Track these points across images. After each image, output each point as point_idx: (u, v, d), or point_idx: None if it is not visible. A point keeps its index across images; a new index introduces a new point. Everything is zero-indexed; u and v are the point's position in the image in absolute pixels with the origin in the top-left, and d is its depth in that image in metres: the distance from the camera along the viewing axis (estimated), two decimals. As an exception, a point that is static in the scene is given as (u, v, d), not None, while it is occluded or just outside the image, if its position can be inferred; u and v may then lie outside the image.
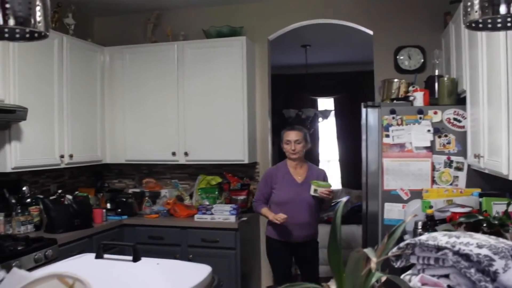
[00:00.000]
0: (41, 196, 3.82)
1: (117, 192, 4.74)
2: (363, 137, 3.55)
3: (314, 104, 8.01)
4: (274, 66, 4.98)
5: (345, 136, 7.92)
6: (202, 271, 1.70)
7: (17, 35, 1.28)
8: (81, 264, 1.72)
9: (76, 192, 4.30)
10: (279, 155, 7.01)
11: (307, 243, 3.63)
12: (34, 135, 3.66)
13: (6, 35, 1.27)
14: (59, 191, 4.03)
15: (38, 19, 1.15)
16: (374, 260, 0.81)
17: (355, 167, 6.16)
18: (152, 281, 1.60)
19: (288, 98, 7.80)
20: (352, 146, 7.22)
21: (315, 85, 7.75)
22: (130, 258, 1.69)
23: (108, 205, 4.48)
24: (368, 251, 0.83)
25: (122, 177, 5.08)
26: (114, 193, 4.66)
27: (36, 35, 1.28)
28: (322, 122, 7.54)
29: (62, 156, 3.98)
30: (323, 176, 3.68)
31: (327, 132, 8.16)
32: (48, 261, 3.14)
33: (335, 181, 7.89)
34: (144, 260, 1.71)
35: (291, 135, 3.62)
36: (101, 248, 1.72)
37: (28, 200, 3.71)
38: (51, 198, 3.77)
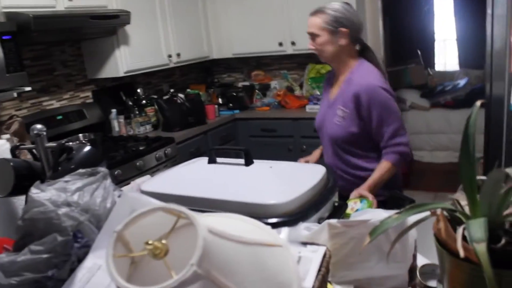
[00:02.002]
0: (155, 97, 3.95)
1: (227, 86, 4.76)
2: (488, 11, 3.08)
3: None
4: None
5: (465, 12, 7.11)
6: (316, 172, 1.62)
7: None
8: (195, 170, 1.73)
9: (188, 90, 4.39)
10: (390, 38, 6.57)
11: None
12: (141, 38, 3.69)
13: None
14: (171, 90, 4.13)
15: None
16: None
17: (475, 46, 5.60)
18: (266, 184, 1.56)
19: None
20: (472, 23, 6.49)
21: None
22: (243, 161, 1.65)
23: (220, 100, 4.54)
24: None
25: (231, 71, 5.07)
26: (224, 88, 4.69)
27: None
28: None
29: (170, 56, 4.01)
30: (352, 97, 2.01)
31: (444, 8, 7.38)
32: (168, 159, 3.30)
33: (452, 61, 7.29)
34: (256, 163, 1.67)
35: (308, 25, 2.08)
36: (213, 152, 1.70)
37: (144, 101, 3.85)
38: (164, 98, 3.88)
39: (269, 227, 0.89)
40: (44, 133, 1.35)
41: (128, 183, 1.67)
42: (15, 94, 2.79)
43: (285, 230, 0.96)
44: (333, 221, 1.09)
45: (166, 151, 3.34)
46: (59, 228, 0.93)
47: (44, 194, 0.99)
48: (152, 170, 3.15)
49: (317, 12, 2.06)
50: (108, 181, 1.09)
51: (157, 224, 0.76)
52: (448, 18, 7.38)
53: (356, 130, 2.04)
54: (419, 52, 6.34)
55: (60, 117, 3.32)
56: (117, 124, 3.70)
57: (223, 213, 0.90)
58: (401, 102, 5.53)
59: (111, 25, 3.37)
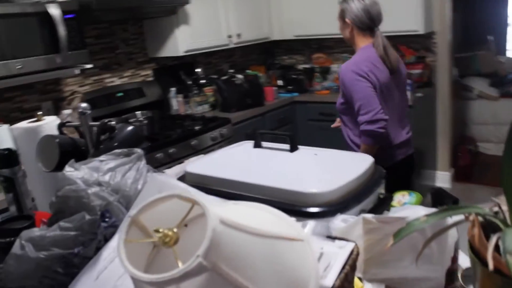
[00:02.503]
0: (215, 77, 3.96)
1: (287, 68, 4.71)
2: None
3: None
4: None
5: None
6: (362, 162, 1.56)
7: None
8: (239, 153, 1.72)
9: (247, 71, 4.38)
10: (461, 23, 6.23)
11: None
12: (201, 18, 3.71)
13: None
14: (231, 70, 4.13)
15: None
16: None
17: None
18: (309, 171, 1.52)
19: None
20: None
21: None
22: (288, 147, 1.62)
23: (279, 82, 4.49)
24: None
25: (292, 53, 5.00)
26: (284, 70, 4.64)
27: None
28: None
29: (230, 36, 4.00)
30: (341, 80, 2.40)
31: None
32: (224, 139, 3.32)
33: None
34: (301, 149, 1.63)
35: None
36: (259, 136, 1.68)
37: (203, 81, 3.88)
38: (223, 78, 3.89)
39: (293, 219, 0.86)
40: (89, 111, 1.37)
41: (182, 162, 1.68)
42: (77, 71, 2.89)
43: (311, 224, 0.92)
44: (369, 215, 1.04)
45: (221, 132, 3.35)
46: (88, 207, 0.94)
47: (77, 172, 1.01)
48: (207, 150, 3.18)
49: (339, 3, 2.53)
50: (142, 163, 1.09)
51: (175, 210, 0.75)
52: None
53: (343, 100, 2.42)
54: (490, 38, 5.97)
55: (120, 94, 3.41)
56: (176, 103, 3.75)
57: (249, 202, 0.88)
58: (468, 90, 5.26)
59: (171, 5, 3.40)
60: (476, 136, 5.24)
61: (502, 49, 6.58)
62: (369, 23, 2.41)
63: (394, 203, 1.57)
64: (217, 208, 0.70)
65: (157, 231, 0.67)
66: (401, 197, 1.63)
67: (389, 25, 3.92)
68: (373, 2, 2.42)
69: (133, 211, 0.73)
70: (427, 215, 0.72)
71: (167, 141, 2.99)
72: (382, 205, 1.46)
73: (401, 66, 2.52)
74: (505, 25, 6.86)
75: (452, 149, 4.43)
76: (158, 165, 2.74)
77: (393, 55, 2.42)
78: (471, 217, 0.71)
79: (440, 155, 4.39)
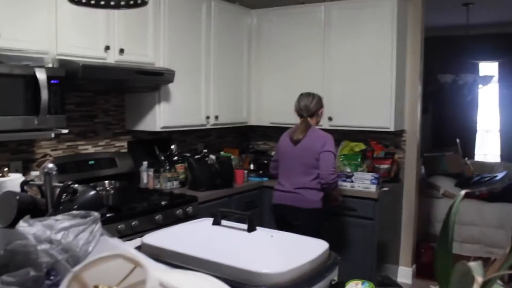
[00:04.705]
0: (188, 155, 4.02)
1: (260, 153, 4.82)
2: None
3: (474, 69, 7.22)
4: (428, 27, 4.54)
5: (509, 105, 7.07)
6: (318, 246, 1.60)
7: (122, 2, 1.28)
8: (198, 229, 1.75)
9: (221, 153, 4.46)
10: (432, 124, 6.54)
11: None
12: (182, 97, 3.84)
13: (112, 3, 1.27)
14: (205, 150, 4.21)
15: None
16: (479, 280, 0.63)
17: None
18: (264, 252, 1.55)
19: (445, 62, 7.14)
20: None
21: (477, 48, 6.96)
22: (246, 227, 1.65)
23: (251, 166, 4.57)
24: (475, 266, 0.66)
25: (267, 139, 5.14)
26: (257, 155, 4.74)
27: (139, 1, 1.26)
28: (481, 88, 6.80)
29: (208, 117, 4.13)
30: None
31: (486, 100, 7.36)
32: (188, 217, 3.31)
33: (493, 152, 7.17)
34: (259, 230, 1.67)
35: None
36: (219, 215, 1.71)
37: (176, 158, 3.93)
38: (196, 157, 3.95)
39: (235, 292, 0.88)
40: (54, 172, 1.40)
41: (142, 235, 1.66)
42: (52, 135, 2.93)
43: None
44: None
45: (187, 209, 3.36)
46: (35, 263, 0.95)
47: (30, 228, 1.03)
48: (170, 226, 3.16)
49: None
50: (97, 226, 1.11)
51: (118, 271, 0.78)
52: (492, 109, 7.35)
53: None
54: (458, 141, 6.26)
55: (92, 162, 3.43)
56: (146, 177, 3.78)
57: (196, 272, 0.90)
58: (434, 189, 5.41)
59: (155, 82, 3.53)
60: (439, 234, 5.31)
61: (470, 153, 6.87)
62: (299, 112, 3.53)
63: (346, 291, 1.59)
64: (160, 273, 0.73)
65: (96, 287, 0.69)
66: (354, 285, 1.65)
67: (362, 121, 4.15)
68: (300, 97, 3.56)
69: (77, 267, 0.75)
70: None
71: (131, 213, 2.98)
72: (332, 292, 1.48)
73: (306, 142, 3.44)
74: (474, 130, 7.22)
75: (415, 245, 4.48)
76: (119, 236, 2.71)
77: (300, 134, 3.45)
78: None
79: (403, 251, 4.42)
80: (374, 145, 4.30)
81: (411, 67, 4.29)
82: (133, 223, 2.93)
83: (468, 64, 7.14)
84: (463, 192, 0.83)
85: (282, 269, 1.37)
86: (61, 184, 1.39)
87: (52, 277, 0.96)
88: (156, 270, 0.69)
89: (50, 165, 1.40)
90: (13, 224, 1.34)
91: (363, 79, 4.12)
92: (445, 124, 7.00)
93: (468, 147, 6.82)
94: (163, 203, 3.25)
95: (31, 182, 1.45)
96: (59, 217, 1.10)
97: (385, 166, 4.14)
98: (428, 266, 4.53)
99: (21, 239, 1.00)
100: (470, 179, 5.70)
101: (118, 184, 3.21)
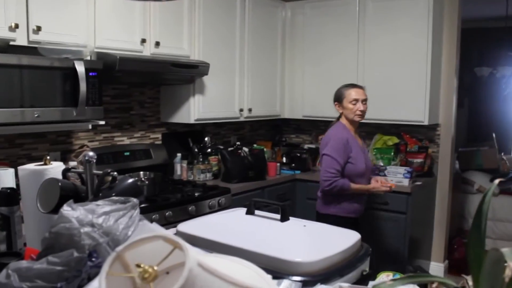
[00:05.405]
0: (221, 147, 4.07)
1: (293, 146, 4.83)
2: None
3: (512, 62, 7.04)
4: (465, 19, 4.44)
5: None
6: (350, 237, 1.61)
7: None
8: (231, 218, 1.77)
9: (254, 145, 4.49)
10: (467, 118, 6.40)
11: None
12: (216, 89, 3.88)
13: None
14: (238, 143, 4.24)
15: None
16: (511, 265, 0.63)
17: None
18: (296, 241, 1.57)
19: (482, 55, 6.98)
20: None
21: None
22: (279, 217, 1.68)
23: (284, 159, 4.59)
24: (508, 252, 0.66)
25: (300, 132, 5.15)
26: (290, 148, 4.76)
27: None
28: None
29: (241, 110, 4.16)
30: None
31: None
32: (221, 208, 3.35)
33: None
34: (292, 220, 1.68)
35: (359, 93, 3.11)
36: (252, 204, 1.74)
37: (209, 150, 3.98)
38: (229, 149, 3.99)
39: (270, 276, 0.90)
40: (94, 160, 1.45)
41: (176, 226, 1.68)
42: (90, 126, 3.01)
43: (285, 283, 0.96)
44: (345, 284, 1.07)
45: (220, 201, 3.40)
46: (78, 245, 0.99)
47: (73, 212, 1.07)
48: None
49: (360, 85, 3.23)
50: (136, 212, 1.15)
51: (159, 252, 0.80)
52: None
53: None
54: (494, 135, 6.13)
55: (127, 153, 3.51)
56: (180, 168, 3.84)
57: (231, 256, 0.92)
58: (468, 184, 5.31)
59: (190, 74, 3.58)
60: (472, 222, 5.22)
61: (506, 148, 6.72)
62: None
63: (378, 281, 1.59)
64: (198, 254, 0.75)
65: (138, 265, 0.72)
66: (385, 277, 1.66)
67: (395, 114, 4.10)
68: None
69: (119, 247, 0.78)
70: (393, 279, 0.76)
71: (165, 204, 3.03)
72: (364, 282, 1.49)
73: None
74: (511, 125, 7.05)
75: (447, 240, 4.42)
76: (154, 225, 2.77)
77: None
78: (434, 285, 0.75)
79: (435, 246, 4.37)
80: (408, 139, 4.25)
81: (446, 60, 4.22)
82: (167, 214, 2.99)
83: (507, 57, 6.96)
84: (497, 181, 0.82)
85: (314, 258, 1.39)
86: (100, 172, 1.43)
87: (93, 259, 1.00)
88: (194, 252, 0.71)
89: (91, 153, 1.45)
90: (55, 210, 1.39)
91: (398, 72, 4.08)
92: (481, 118, 6.86)
93: (505, 142, 6.66)
94: (196, 194, 3.29)
95: (73, 170, 1.51)
96: (100, 202, 1.14)
97: (418, 160, 4.09)
98: (461, 261, 4.47)
99: (65, 222, 1.04)
100: (506, 174, 5.58)
101: (153, 175, 3.27)
